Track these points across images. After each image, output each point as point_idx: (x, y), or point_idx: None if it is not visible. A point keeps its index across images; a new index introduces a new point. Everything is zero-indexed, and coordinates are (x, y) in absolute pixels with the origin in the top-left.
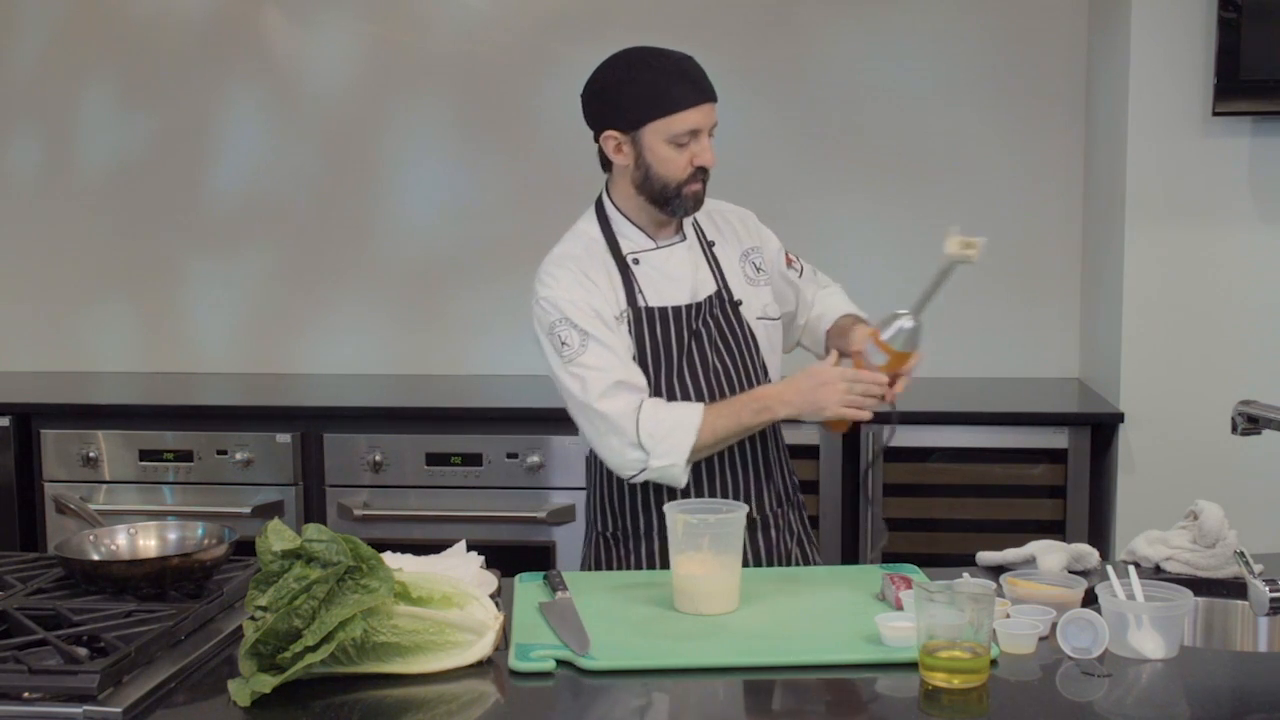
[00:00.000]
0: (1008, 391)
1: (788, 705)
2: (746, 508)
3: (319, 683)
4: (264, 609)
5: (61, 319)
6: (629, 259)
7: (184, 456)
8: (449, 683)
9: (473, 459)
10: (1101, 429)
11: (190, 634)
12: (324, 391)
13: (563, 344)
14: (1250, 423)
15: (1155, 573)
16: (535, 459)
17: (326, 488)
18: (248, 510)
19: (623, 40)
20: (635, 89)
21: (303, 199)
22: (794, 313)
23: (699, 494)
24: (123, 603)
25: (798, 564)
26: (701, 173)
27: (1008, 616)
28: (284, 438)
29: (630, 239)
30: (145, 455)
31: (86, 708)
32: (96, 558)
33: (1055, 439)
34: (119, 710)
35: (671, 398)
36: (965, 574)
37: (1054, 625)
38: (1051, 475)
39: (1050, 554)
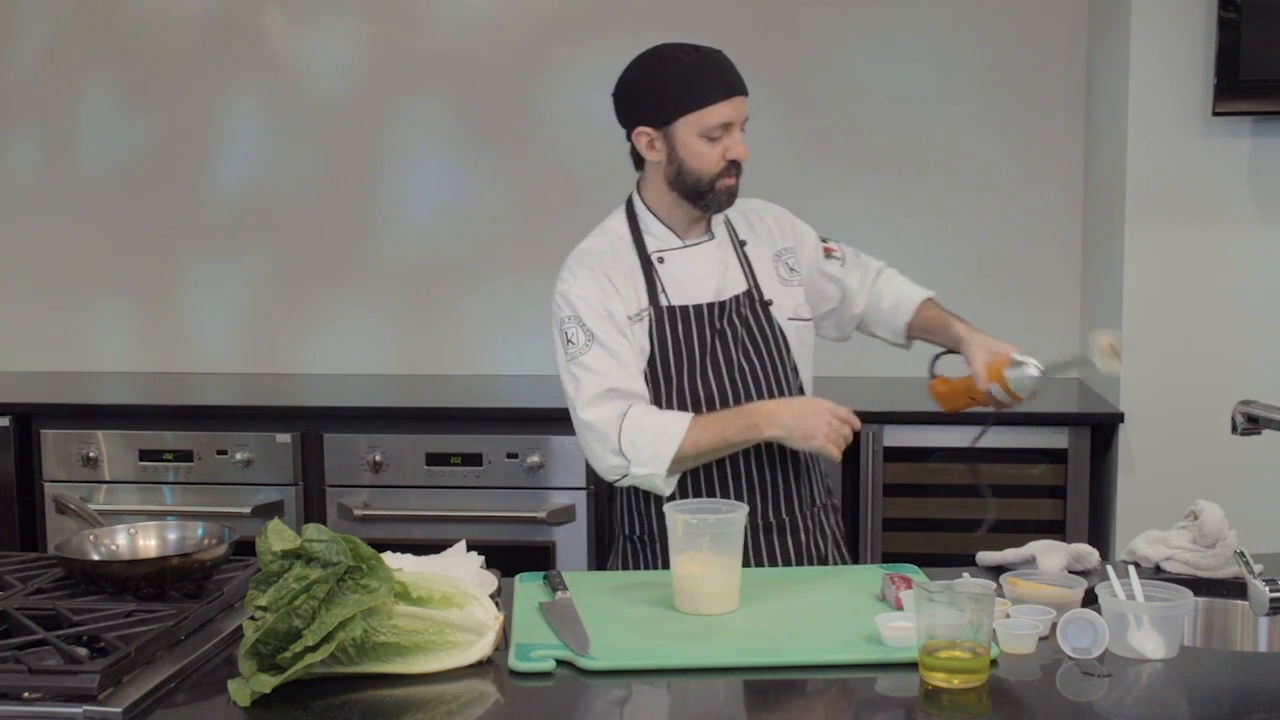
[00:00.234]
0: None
1: (788, 705)
2: (746, 508)
3: (319, 683)
4: (264, 609)
5: (61, 319)
6: (654, 257)
7: (184, 456)
8: (449, 683)
9: (473, 459)
10: (1101, 429)
11: (190, 634)
12: (324, 391)
13: (569, 341)
14: (1250, 423)
15: (1155, 573)
16: (535, 459)
17: (326, 488)
18: (248, 510)
19: (622, 40)
20: (666, 84)
21: (303, 199)
22: (839, 307)
23: (725, 495)
24: (123, 603)
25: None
26: (734, 166)
27: (1008, 616)
28: (284, 438)
29: (657, 237)
30: (145, 455)
31: (86, 708)
32: (96, 558)
33: (1055, 439)
34: (119, 710)
35: (695, 397)
36: (965, 574)
37: (1054, 625)
38: (1051, 475)
39: (1050, 554)
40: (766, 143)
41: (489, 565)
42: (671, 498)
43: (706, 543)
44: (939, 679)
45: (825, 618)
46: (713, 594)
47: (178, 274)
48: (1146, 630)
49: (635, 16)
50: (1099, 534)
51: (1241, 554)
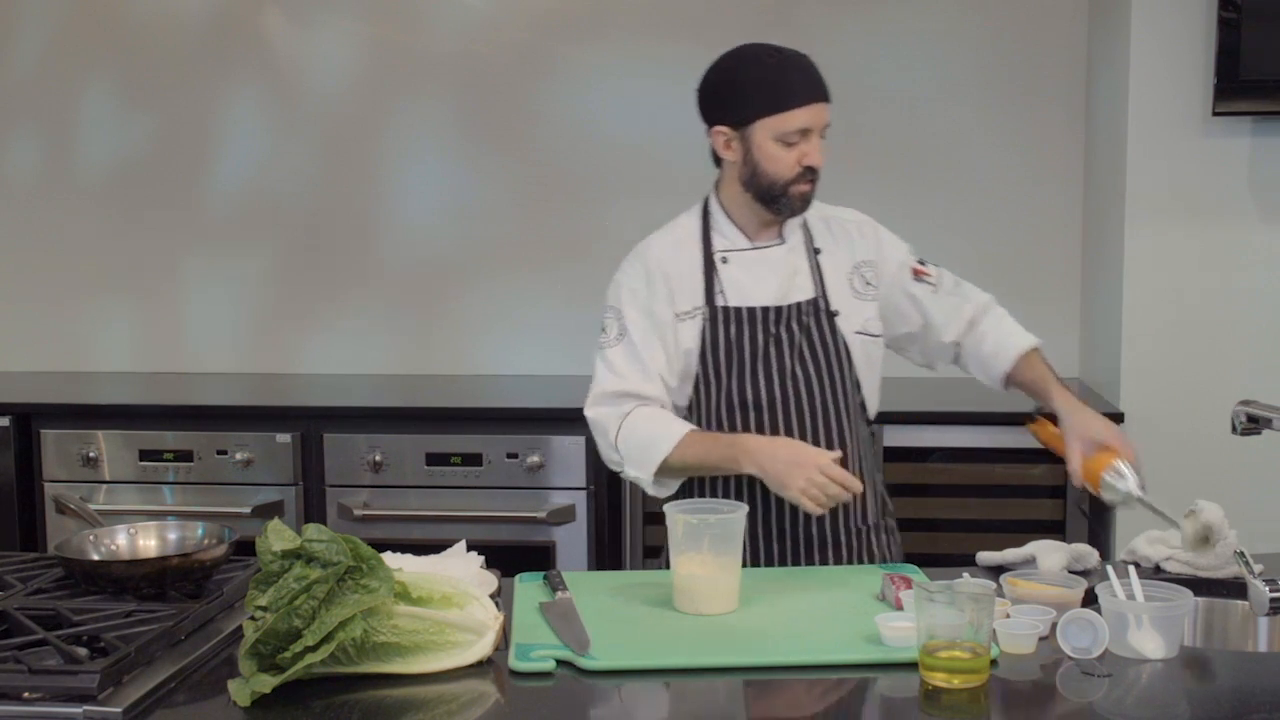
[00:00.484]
0: (1008, 392)
1: (788, 705)
2: (746, 508)
3: (319, 683)
4: (264, 609)
5: (61, 319)
6: (717, 257)
7: (184, 456)
8: (449, 683)
9: (473, 459)
10: None
11: (190, 634)
12: (324, 391)
13: (603, 330)
14: (1250, 422)
15: (1155, 573)
16: (535, 459)
17: (326, 488)
18: (248, 510)
19: (622, 40)
20: (746, 85)
21: (303, 199)
22: (920, 333)
23: (765, 504)
24: (123, 603)
25: None
26: (810, 173)
27: (1008, 616)
28: (284, 438)
29: (725, 236)
30: (145, 455)
31: (86, 708)
32: (96, 558)
33: None
34: (119, 710)
35: (743, 399)
36: (965, 574)
37: (1054, 625)
38: (1051, 475)
39: (1050, 554)
40: None
41: (489, 565)
42: (674, 498)
43: (706, 543)
44: (939, 679)
45: (825, 618)
46: (713, 594)
47: (178, 274)
48: (1146, 630)
49: (635, 16)
50: (1099, 534)
51: (1241, 554)
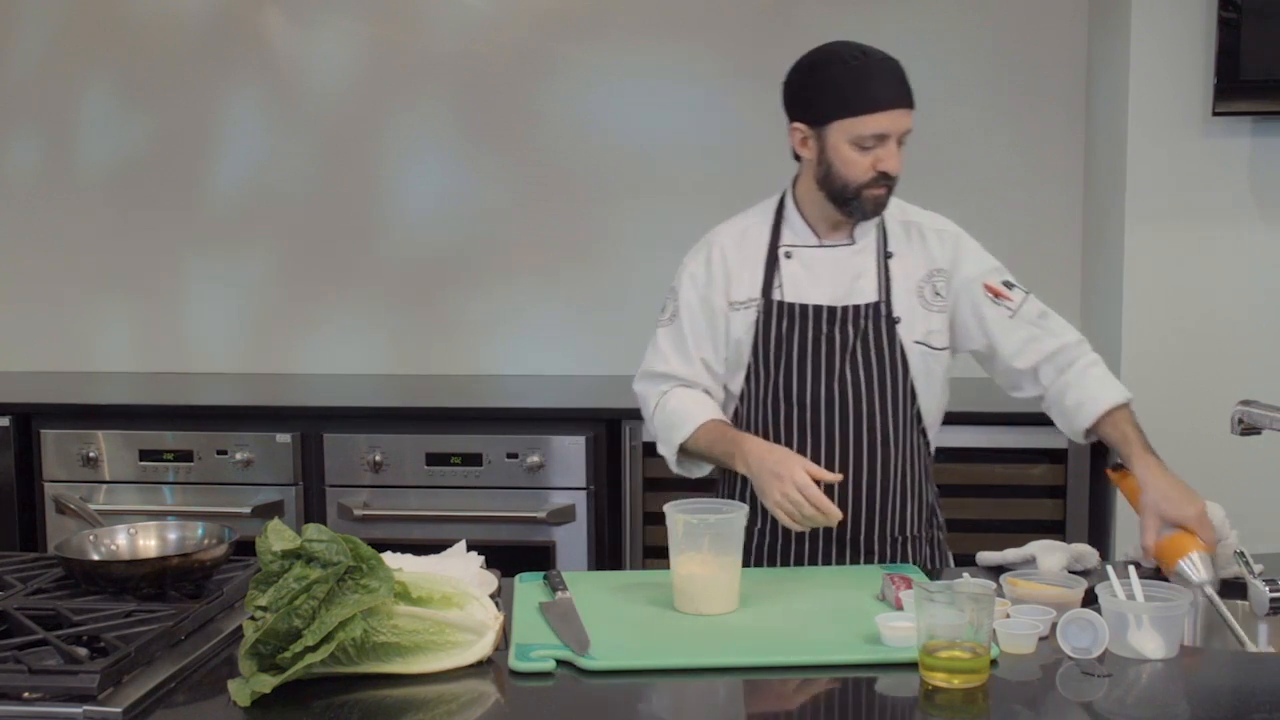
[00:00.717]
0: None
1: (788, 705)
2: (746, 508)
3: (319, 683)
4: (264, 609)
5: (61, 319)
6: (782, 251)
7: (184, 456)
8: (449, 683)
9: (473, 459)
10: None
11: (190, 634)
12: (324, 391)
13: (661, 309)
14: (1250, 422)
15: (1155, 573)
16: (535, 459)
17: (326, 488)
18: (248, 510)
19: (622, 40)
20: (826, 85)
21: (303, 199)
22: (985, 353)
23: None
24: (123, 603)
25: None
26: (885, 178)
27: (1008, 616)
28: (284, 438)
29: (795, 231)
30: (145, 455)
31: (86, 708)
32: (96, 558)
33: (1055, 439)
34: (119, 710)
35: (788, 394)
36: (965, 574)
37: (1054, 625)
38: (1051, 475)
39: (1050, 554)
40: (767, 142)
41: (489, 565)
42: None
43: (706, 543)
44: (939, 679)
45: (825, 618)
46: (713, 594)
47: (178, 274)
48: (1146, 630)
49: (635, 16)
50: (1099, 534)
51: (1241, 554)
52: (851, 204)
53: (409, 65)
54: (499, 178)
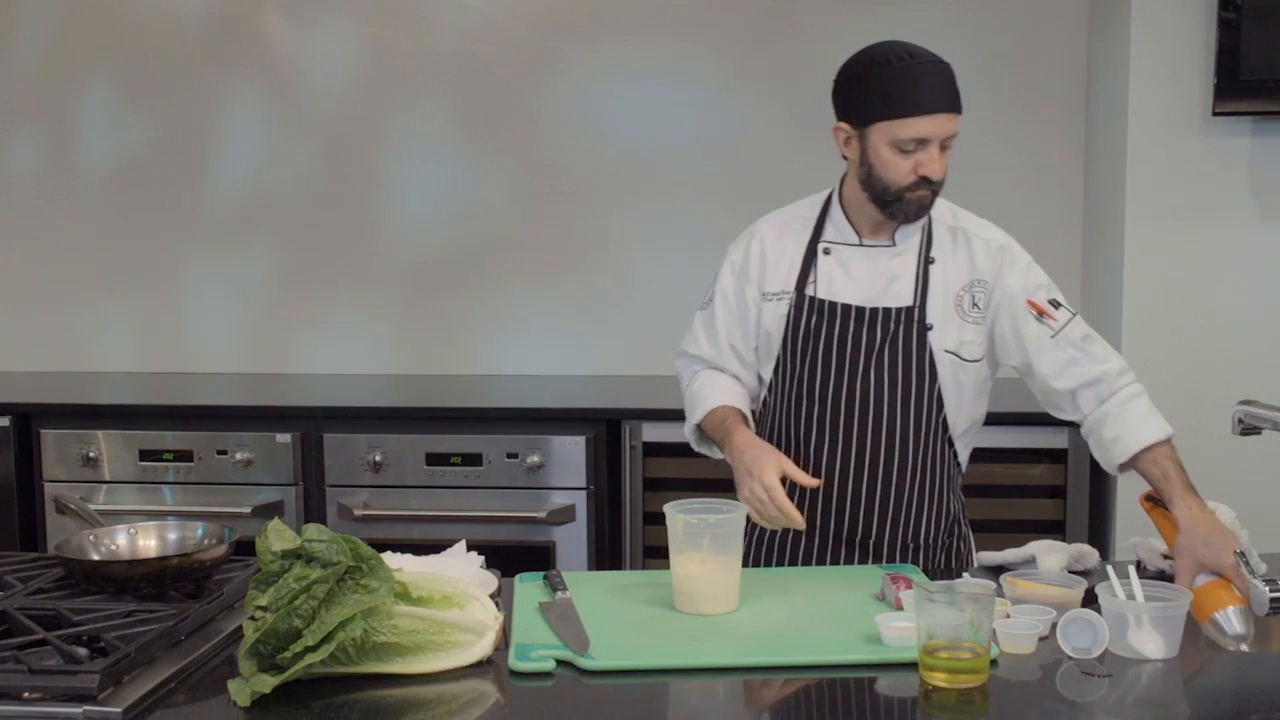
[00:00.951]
0: (1008, 391)
1: (788, 705)
2: (746, 507)
3: (319, 683)
4: (264, 609)
5: (61, 319)
6: (821, 247)
7: (184, 456)
8: (449, 683)
9: (473, 459)
10: None
11: (190, 634)
12: (324, 391)
13: (706, 292)
14: (1250, 422)
15: (1159, 575)
16: (535, 459)
17: (326, 488)
18: (248, 510)
19: (622, 40)
20: (870, 86)
21: (303, 199)
22: (1023, 370)
23: (811, 506)
24: (123, 603)
25: None
26: (926, 182)
27: (1008, 616)
28: (284, 438)
29: (837, 229)
30: (145, 455)
31: (86, 708)
32: (96, 558)
33: (1055, 439)
34: (119, 710)
35: (810, 390)
36: (965, 574)
37: (1054, 625)
38: (1051, 475)
39: (1050, 554)
40: (767, 142)
41: (489, 565)
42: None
43: (706, 543)
44: (939, 679)
45: (825, 618)
46: (713, 594)
47: (178, 274)
48: (1146, 630)
49: (635, 16)
50: (1099, 534)
51: (1242, 554)
52: (894, 206)
53: (409, 65)
54: (499, 178)
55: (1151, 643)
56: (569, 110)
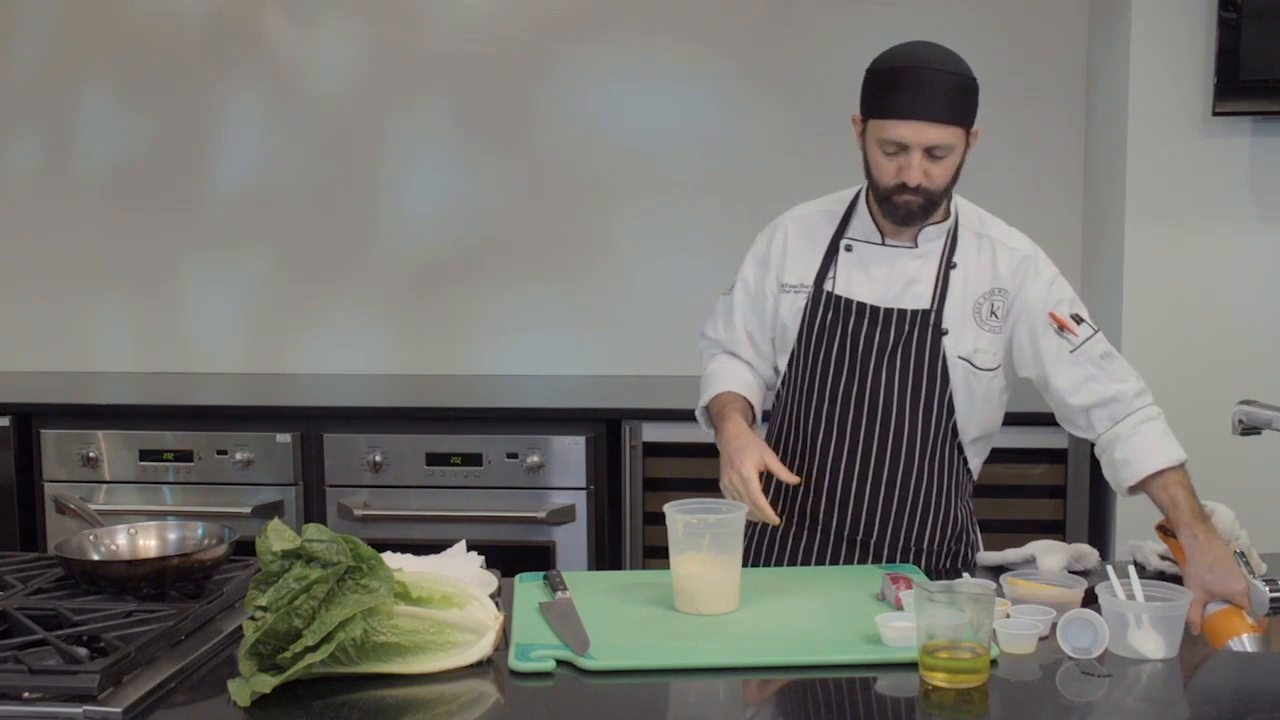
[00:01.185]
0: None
1: (788, 705)
2: (746, 507)
3: (319, 683)
4: (264, 609)
5: (61, 319)
6: (844, 243)
7: (184, 456)
8: (449, 683)
9: (473, 459)
10: None
11: (190, 634)
12: (324, 391)
13: (732, 276)
14: (1250, 422)
15: (1158, 576)
16: (535, 459)
17: (326, 488)
18: (248, 510)
19: (622, 40)
20: (870, 83)
21: (303, 199)
22: (1039, 382)
23: (817, 501)
24: (123, 603)
25: None
26: (907, 188)
27: (1008, 616)
28: (284, 438)
29: (861, 226)
30: (145, 455)
31: (86, 708)
32: (96, 558)
33: (1055, 439)
34: (119, 710)
35: (821, 385)
36: (965, 574)
37: (1054, 625)
38: (1051, 475)
39: (1050, 554)
40: (767, 142)
41: (489, 565)
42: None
43: (706, 543)
44: (939, 679)
45: (825, 618)
46: (713, 594)
47: (178, 274)
48: (1146, 630)
49: (635, 16)
50: (1099, 534)
51: (1242, 554)
52: (884, 205)
53: (409, 65)
54: (499, 178)
55: (1151, 643)
56: (569, 110)
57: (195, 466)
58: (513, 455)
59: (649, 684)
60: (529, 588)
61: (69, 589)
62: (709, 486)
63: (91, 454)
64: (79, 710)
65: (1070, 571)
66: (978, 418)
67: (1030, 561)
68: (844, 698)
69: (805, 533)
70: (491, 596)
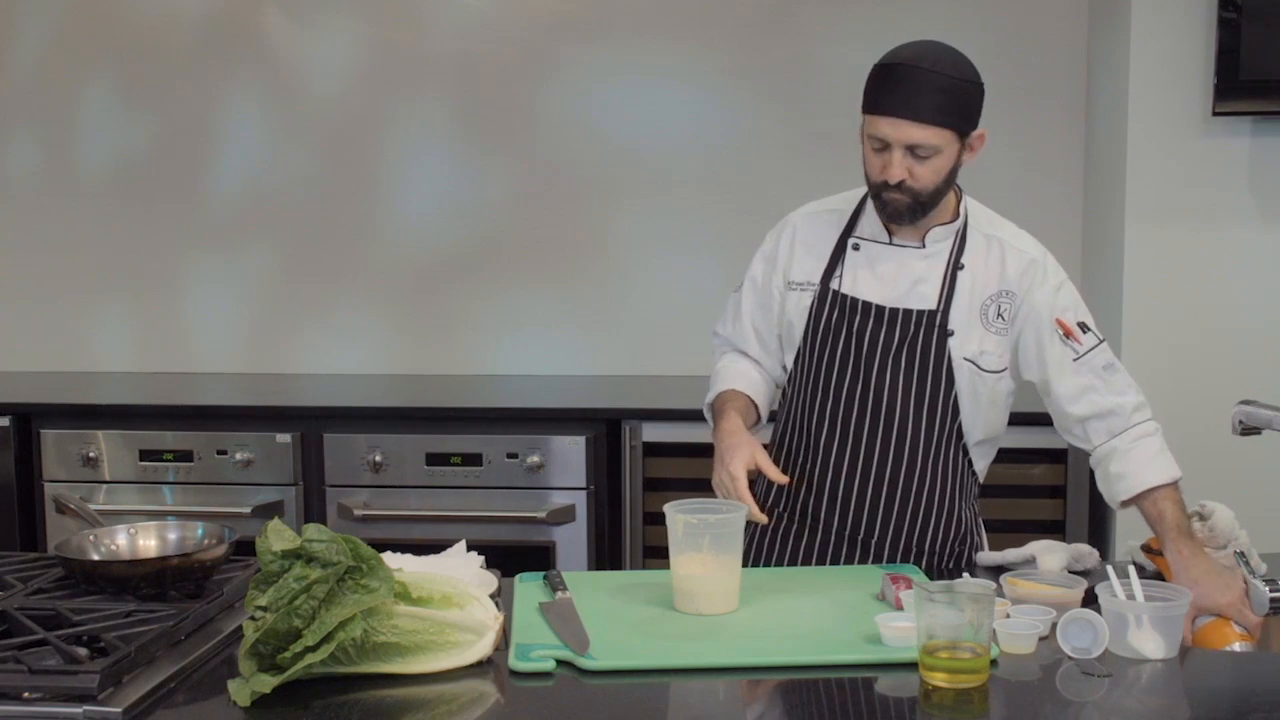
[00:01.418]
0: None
1: (788, 705)
2: (746, 508)
3: (319, 683)
4: (264, 609)
5: (61, 319)
6: (851, 242)
7: (184, 456)
8: (449, 683)
9: (473, 459)
10: None
11: (190, 634)
12: (324, 391)
13: (743, 274)
14: (1250, 422)
15: (1157, 576)
16: (535, 459)
17: (326, 488)
18: (248, 510)
19: (622, 40)
20: (871, 78)
21: (303, 199)
22: (1041, 387)
23: (818, 502)
24: (123, 603)
25: None
26: (890, 186)
27: (1008, 616)
28: (284, 438)
29: (869, 226)
30: (145, 455)
31: (86, 708)
32: (96, 558)
33: (1055, 439)
34: (119, 710)
35: (825, 383)
36: (965, 574)
37: (1054, 625)
38: (1051, 475)
39: (1050, 554)
40: (768, 142)
41: (489, 565)
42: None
43: (706, 543)
44: (939, 679)
45: (825, 618)
46: (713, 594)
47: (178, 274)
48: (1146, 630)
49: (635, 16)
50: (1099, 534)
51: (1242, 554)
52: (875, 202)
53: (409, 65)
54: (499, 178)
55: (1151, 643)
56: (569, 110)
57: (195, 466)
58: (513, 455)
59: (649, 684)
60: (529, 588)
61: (69, 589)
62: (709, 487)
63: (91, 454)
64: (79, 710)
65: (1070, 571)
66: (983, 420)
67: (1030, 561)
68: (844, 698)
69: (807, 532)
70: (491, 596)
